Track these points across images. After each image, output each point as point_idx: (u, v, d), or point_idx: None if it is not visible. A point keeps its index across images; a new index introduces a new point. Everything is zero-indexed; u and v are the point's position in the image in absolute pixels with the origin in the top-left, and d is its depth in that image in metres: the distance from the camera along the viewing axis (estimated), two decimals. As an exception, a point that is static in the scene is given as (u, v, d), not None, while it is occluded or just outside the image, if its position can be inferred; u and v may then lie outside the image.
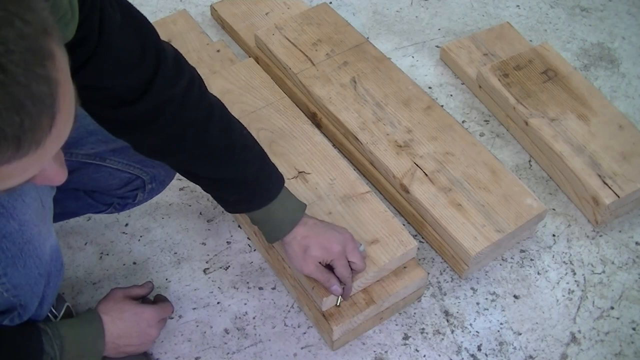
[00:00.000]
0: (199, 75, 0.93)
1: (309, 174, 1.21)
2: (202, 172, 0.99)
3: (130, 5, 0.83)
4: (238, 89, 1.34)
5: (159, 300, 1.14)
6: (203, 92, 0.93)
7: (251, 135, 1.02)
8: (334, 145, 1.38)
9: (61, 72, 0.54)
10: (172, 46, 0.90)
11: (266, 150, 1.21)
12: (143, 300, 1.11)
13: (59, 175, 0.63)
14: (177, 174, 1.09)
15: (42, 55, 0.52)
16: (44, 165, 0.59)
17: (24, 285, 0.85)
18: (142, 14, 0.84)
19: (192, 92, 0.90)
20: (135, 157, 1.09)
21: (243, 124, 1.21)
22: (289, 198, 1.04)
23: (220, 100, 0.97)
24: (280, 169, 1.19)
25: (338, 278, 1.04)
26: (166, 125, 0.89)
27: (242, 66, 1.38)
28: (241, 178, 0.99)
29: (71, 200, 1.15)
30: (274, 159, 1.20)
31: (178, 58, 0.89)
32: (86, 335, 0.99)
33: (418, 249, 1.14)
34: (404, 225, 1.28)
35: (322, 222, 1.05)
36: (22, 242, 0.83)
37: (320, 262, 1.03)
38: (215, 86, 1.33)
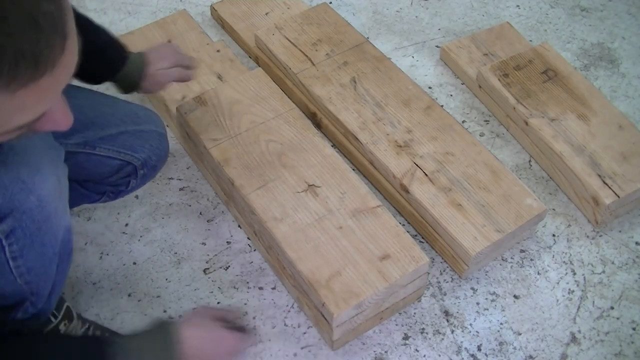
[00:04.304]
0: None
1: (319, 187, 1.19)
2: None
3: None
4: (247, 100, 1.32)
5: (242, 329, 1.03)
6: None
7: None
8: (342, 154, 1.38)
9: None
10: None
11: (275, 162, 1.23)
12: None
13: (65, 117, 0.66)
14: (168, 159, 1.20)
15: None
16: (51, 105, 0.62)
17: (38, 268, 0.84)
18: None
19: None
20: (125, 144, 1.10)
21: (252, 135, 1.26)
22: (133, 53, 1.16)
23: None
24: (290, 182, 1.20)
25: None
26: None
27: (251, 76, 1.36)
28: (105, 40, 1.11)
29: None
30: (283, 172, 1.20)
31: None
32: (160, 350, 0.89)
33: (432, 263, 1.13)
34: (403, 225, 1.28)
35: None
36: (41, 220, 0.82)
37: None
38: (224, 96, 1.32)
